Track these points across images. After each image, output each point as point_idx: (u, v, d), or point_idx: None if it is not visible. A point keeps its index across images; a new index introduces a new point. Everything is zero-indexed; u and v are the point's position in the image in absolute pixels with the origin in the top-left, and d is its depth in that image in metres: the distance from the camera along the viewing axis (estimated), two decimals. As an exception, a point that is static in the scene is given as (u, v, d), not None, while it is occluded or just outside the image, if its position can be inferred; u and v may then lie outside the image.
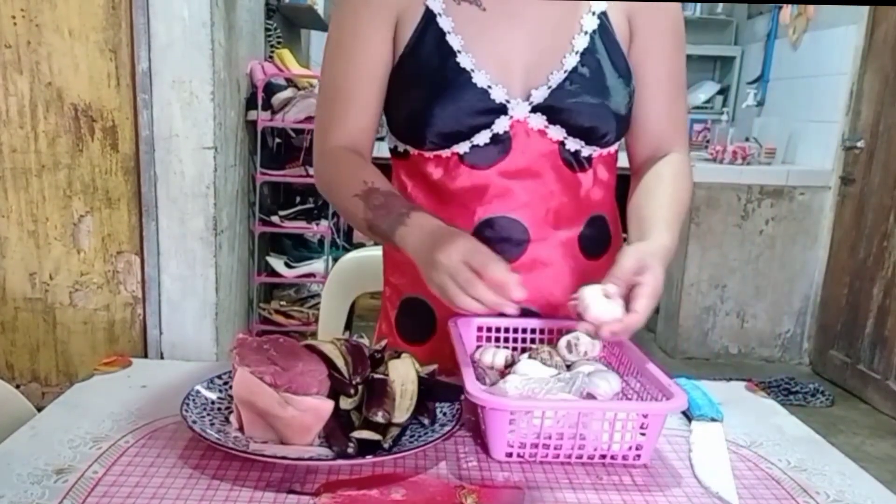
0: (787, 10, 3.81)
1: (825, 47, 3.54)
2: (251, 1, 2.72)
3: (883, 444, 2.76)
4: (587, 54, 0.93)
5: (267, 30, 3.02)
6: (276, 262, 2.95)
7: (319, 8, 3.50)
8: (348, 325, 1.49)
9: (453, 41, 0.92)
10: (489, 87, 0.92)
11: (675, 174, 0.98)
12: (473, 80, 0.91)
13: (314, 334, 2.30)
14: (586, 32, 0.93)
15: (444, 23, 0.92)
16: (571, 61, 0.92)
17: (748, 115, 4.13)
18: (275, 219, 2.90)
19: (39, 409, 0.88)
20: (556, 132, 0.94)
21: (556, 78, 0.92)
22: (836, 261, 3.42)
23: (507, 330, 0.97)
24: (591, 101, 0.92)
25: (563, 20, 0.93)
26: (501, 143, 0.93)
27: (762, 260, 3.52)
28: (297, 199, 3.02)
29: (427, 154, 0.96)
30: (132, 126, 2.18)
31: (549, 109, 0.92)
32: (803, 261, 3.52)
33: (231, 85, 2.45)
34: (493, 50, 0.92)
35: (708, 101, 4.55)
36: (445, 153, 0.95)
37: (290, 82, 2.84)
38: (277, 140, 3.04)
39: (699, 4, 4.45)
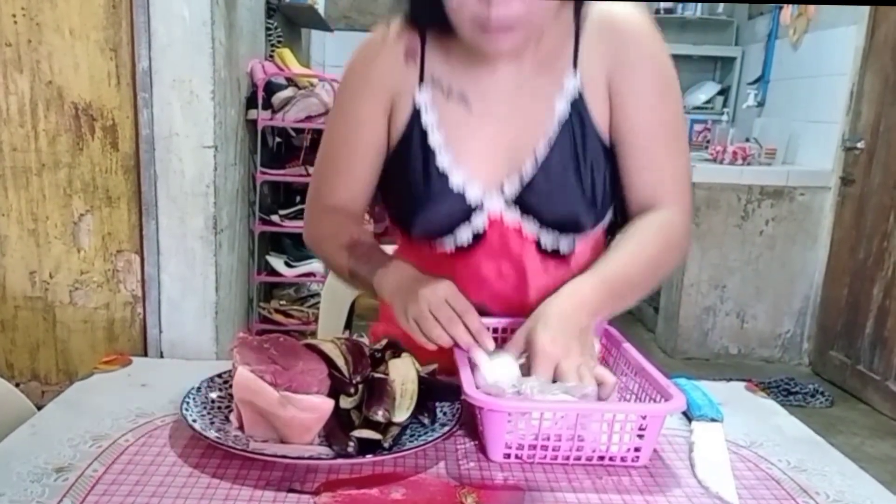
0: (788, 11, 3.80)
1: (826, 48, 3.54)
2: (252, 0, 2.72)
3: (883, 445, 2.76)
4: (560, 141, 0.92)
5: (267, 29, 3.02)
6: (276, 262, 2.95)
7: (320, 7, 3.51)
8: (348, 325, 1.49)
9: (434, 139, 0.95)
10: (465, 187, 0.94)
11: (646, 230, 0.93)
12: (451, 185, 0.94)
13: (314, 333, 2.30)
14: (559, 122, 0.92)
15: (427, 119, 0.95)
16: (543, 150, 0.92)
17: (748, 116, 4.13)
18: (275, 218, 2.90)
19: (39, 408, 0.88)
20: (531, 226, 0.95)
21: (528, 168, 0.92)
22: (836, 261, 3.42)
23: (504, 331, 0.97)
24: (563, 192, 0.92)
25: (538, 108, 0.93)
26: (480, 236, 0.96)
27: (762, 260, 3.52)
28: (297, 198, 3.02)
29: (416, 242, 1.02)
30: (132, 125, 2.18)
31: (523, 203, 0.93)
32: (803, 261, 3.52)
33: (231, 84, 2.45)
34: (474, 145, 0.94)
35: (708, 102, 4.54)
36: (430, 244, 1.00)
37: (291, 81, 2.84)
38: (278, 139, 3.04)
39: (699, 4, 4.45)
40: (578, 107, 0.92)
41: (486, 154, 0.94)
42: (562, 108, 0.92)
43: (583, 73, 0.92)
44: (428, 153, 0.95)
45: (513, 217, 0.94)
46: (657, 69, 0.93)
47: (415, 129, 0.96)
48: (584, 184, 0.92)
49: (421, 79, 0.96)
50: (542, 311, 0.84)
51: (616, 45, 0.91)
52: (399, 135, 0.97)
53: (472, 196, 0.94)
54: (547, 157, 0.92)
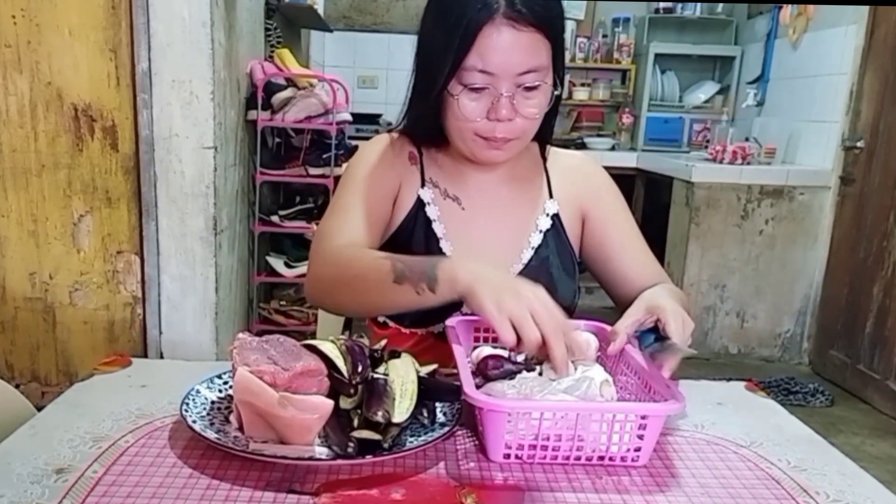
0: (787, 10, 3.80)
1: (825, 47, 3.54)
2: (251, 0, 2.72)
3: (883, 444, 2.76)
4: (540, 250, 1.11)
5: (267, 29, 3.02)
6: (276, 262, 2.95)
7: (319, 8, 3.51)
8: (347, 325, 1.49)
9: (437, 229, 1.09)
10: None
11: (664, 287, 1.08)
12: None
13: (314, 334, 2.30)
14: (541, 231, 1.12)
15: (431, 212, 1.09)
16: (527, 255, 1.11)
17: (748, 115, 4.13)
18: (274, 218, 2.90)
19: (39, 409, 0.88)
20: None
21: (515, 269, 1.09)
22: (836, 261, 3.42)
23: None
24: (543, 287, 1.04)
25: (524, 220, 1.13)
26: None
27: (762, 260, 3.52)
28: (297, 198, 3.02)
29: (404, 330, 1.11)
30: (132, 126, 2.18)
31: None
32: (803, 261, 3.52)
33: (231, 84, 2.45)
34: (468, 241, 1.09)
35: (708, 101, 4.54)
36: (421, 331, 1.10)
37: (290, 82, 2.83)
38: (277, 140, 3.04)
39: (699, 4, 4.44)
40: (556, 223, 1.13)
41: (478, 249, 1.10)
42: (544, 224, 1.12)
43: (559, 200, 1.14)
44: (431, 238, 1.08)
45: None
46: (614, 193, 1.18)
47: (419, 215, 1.09)
48: (559, 287, 1.10)
49: (422, 179, 1.11)
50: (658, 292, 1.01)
51: (584, 184, 1.17)
52: (402, 218, 1.10)
53: None
54: (531, 259, 1.11)
